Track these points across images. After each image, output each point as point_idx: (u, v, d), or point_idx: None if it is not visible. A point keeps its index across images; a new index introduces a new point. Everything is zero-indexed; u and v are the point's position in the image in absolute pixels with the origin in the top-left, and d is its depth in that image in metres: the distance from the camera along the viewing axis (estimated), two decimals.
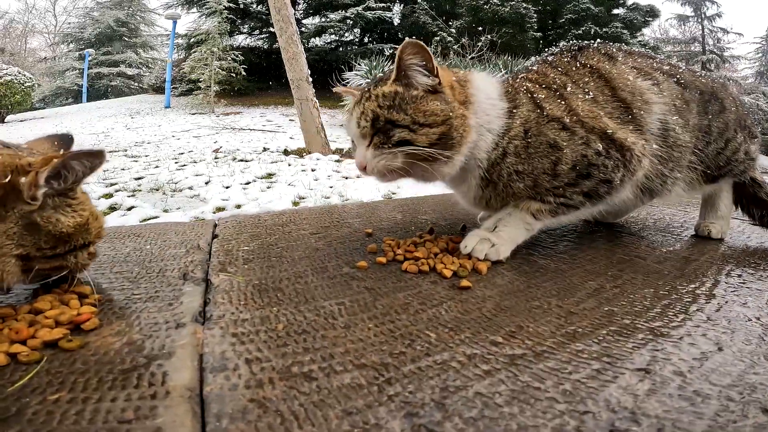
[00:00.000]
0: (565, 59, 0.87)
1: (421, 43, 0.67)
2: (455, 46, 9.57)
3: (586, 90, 0.78)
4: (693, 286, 0.66)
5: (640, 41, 11.40)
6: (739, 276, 0.72)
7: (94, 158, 0.48)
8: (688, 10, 17.52)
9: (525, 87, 0.79)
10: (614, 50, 0.89)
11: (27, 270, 0.47)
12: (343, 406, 0.35)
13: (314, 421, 0.33)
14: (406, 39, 0.68)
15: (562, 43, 0.96)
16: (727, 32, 17.71)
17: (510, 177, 0.72)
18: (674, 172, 0.83)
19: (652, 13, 11.71)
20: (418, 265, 0.66)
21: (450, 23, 11.20)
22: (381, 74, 0.79)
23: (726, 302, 0.61)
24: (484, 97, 0.74)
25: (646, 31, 12.93)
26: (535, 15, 10.69)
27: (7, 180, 0.45)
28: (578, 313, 0.53)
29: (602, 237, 0.91)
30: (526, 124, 0.73)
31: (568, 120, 0.73)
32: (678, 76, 0.86)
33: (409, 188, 2.39)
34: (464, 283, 0.60)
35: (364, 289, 0.58)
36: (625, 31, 10.79)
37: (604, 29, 10.65)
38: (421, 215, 1.05)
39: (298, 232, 0.87)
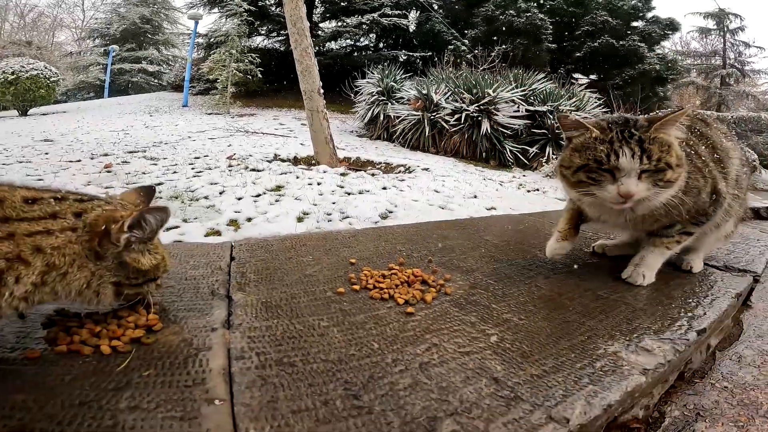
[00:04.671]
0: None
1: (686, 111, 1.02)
2: (468, 56, 9.73)
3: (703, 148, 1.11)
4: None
5: (658, 54, 11.48)
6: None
7: (162, 212, 0.69)
8: (710, 23, 17.48)
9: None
10: (706, 116, 1.25)
11: (118, 294, 0.70)
12: (309, 381, 0.61)
13: (291, 387, 0.59)
14: (687, 109, 1.05)
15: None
16: (749, 46, 17.60)
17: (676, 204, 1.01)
18: (734, 206, 1.17)
19: (672, 26, 11.74)
20: (381, 294, 0.91)
21: (465, 33, 11.40)
22: (620, 116, 1.05)
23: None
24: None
25: (665, 43, 12.99)
26: (550, 27, 10.81)
27: (102, 229, 0.66)
28: (479, 337, 0.77)
29: (559, 273, 1.14)
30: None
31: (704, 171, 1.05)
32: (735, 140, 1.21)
33: (403, 213, 2.62)
34: (409, 309, 0.84)
35: (338, 310, 0.83)
36: (642, 44, 10.85)
37: (620, 42, 10.76)
38: (399, 245, 1.29)
39: (297, 259, 1.12)
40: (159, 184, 3.33)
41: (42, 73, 10.02)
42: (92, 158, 4.37)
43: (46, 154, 4.50)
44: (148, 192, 0.80)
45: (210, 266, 1.03)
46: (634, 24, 11.88)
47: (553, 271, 1.17)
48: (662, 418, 0.79)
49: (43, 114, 10.15)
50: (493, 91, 6.50)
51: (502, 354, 0.72)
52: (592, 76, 11.97)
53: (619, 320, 0.90)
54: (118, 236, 0.65)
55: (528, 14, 10.53)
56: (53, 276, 0.60)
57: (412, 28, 13.03)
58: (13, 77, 9.68)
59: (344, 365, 0.65)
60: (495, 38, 10.43)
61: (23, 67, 9.93)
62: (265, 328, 0.75)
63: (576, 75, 11.85)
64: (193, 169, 3.80)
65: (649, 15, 11.91)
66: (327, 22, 12.96)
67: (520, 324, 0.84)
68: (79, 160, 4.20)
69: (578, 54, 11.41)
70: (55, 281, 0.61)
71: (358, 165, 4.44)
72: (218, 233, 2.09)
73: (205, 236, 1.98)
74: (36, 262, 0.58)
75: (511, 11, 10.60)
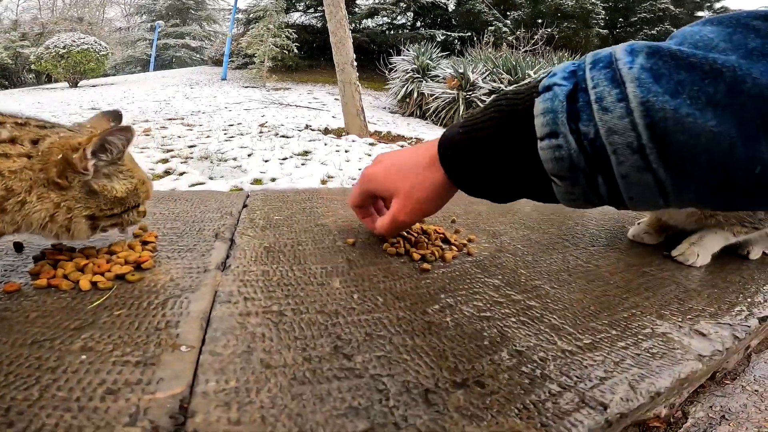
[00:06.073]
0: None
1: None
2: (509, 38, 9.29)
3: None
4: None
5: None
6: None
7: (126, 132, 0.60)
8: None
9: None
10: None
11: (94, 227, 0.63)
12: (296, 333, 0.53)
13: (273, 339, 0.51)
14: None
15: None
16: None
17: None
18: None
19: None
20: (396, 248, 0.81)
21: (507, 14, 10.87)
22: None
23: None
24: None
25: None
26: (602, 11, 10.15)
27: (59, 158, 0.57)
28: (503, 302, 0.67)
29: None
30: None
31: None
32: None
33: None
34: (425, 266, 0.75)
35: (345, 260, 0.75)
36: None
37: None
38: None
39: (312, 209, 1.04)
40: (192, 146, 3.38)
41: (92, 48, 10.42)
42: (134, 124, 4.54)
43: None
44: (115, 115, 0.72)
45: (220, 211, 0.97)
46: (700, 13, 11.02)
47: (592, 243, 1.04)
48: (685, 418, 0.70)
49: (93, 86, 10.59)
50: (535, 73, 6.19)
51: (529, 324, 0.62)
52: None
53: (669, 299, 0.77)
54: (84, 164, 0.57)
55: None
56: (12, 203, 0.54)
57: (451, 7, 12.54)
58: (64, 51, 10.11)
59: (341, 319, 0.57)
60: (539, 21, 9.89)
61: (74, 41, 10.35)
62: (261, 272, 0.68)
63: None
64: (225, 134, 3.82)
65: (718, 5, 10.99)
66: None
67: (552, 292, 0.73)
68: None
69: (632, 41, 10.76)
70: (14, 210, 0.55)
71: (388, 138, 4.32)
72: (240, 191, 2.07)
73: None
74: None
75: None
